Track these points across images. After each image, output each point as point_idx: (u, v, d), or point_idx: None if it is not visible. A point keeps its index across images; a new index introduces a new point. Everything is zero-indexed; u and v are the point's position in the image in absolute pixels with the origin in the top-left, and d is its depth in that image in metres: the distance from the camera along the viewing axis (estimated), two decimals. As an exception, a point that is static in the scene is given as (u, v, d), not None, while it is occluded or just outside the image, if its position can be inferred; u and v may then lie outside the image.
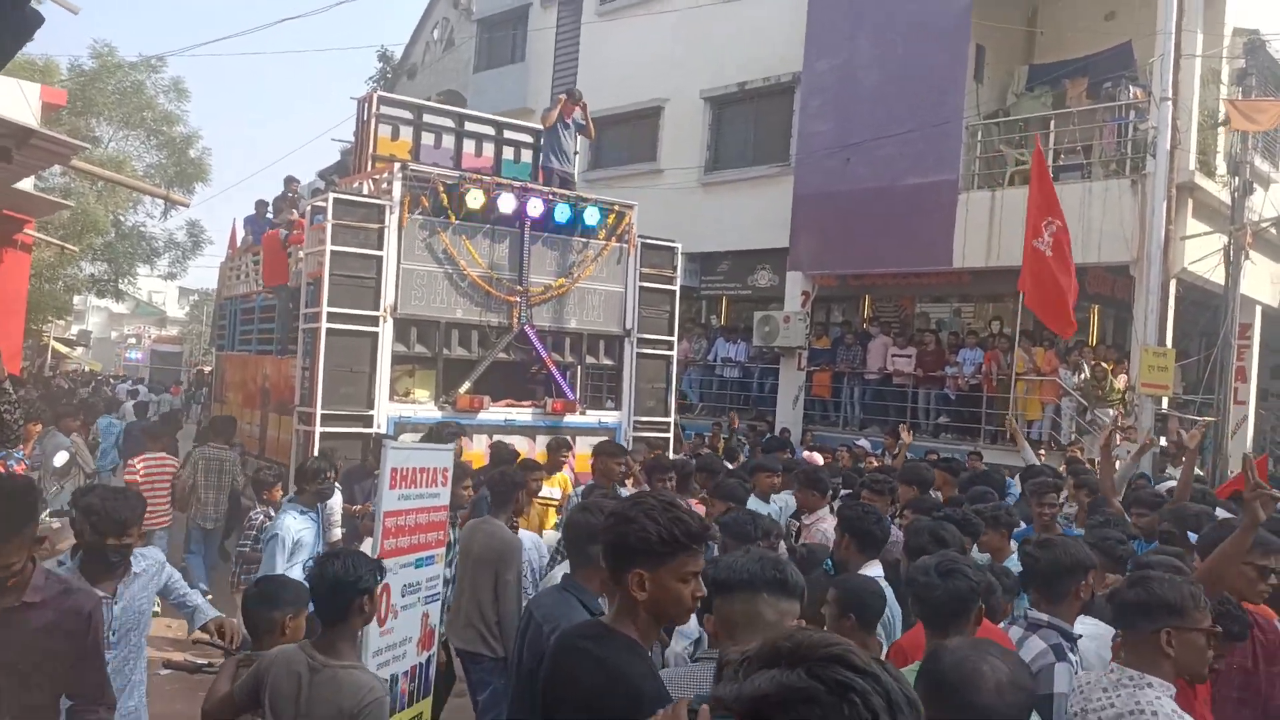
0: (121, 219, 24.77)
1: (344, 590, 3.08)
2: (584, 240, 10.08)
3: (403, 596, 4.12)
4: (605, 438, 9.58)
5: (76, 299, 30.81)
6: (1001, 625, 3.43)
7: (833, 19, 15.20)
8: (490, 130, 11.57)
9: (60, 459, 8.80)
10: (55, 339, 29.35)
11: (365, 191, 9.58)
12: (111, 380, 29.21)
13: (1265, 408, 16.46)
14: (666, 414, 10.66)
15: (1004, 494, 7.45)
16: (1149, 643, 2.65)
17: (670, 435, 10.66)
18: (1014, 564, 4.70)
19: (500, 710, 4.46)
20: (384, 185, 9.28)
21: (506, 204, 9.38)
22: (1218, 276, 12.62)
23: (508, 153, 11.50)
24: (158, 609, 4.93)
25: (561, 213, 9.73)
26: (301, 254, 9.59)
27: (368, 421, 8.72)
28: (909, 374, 14.09)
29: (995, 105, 14.89)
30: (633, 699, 2.17)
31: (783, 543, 4.85)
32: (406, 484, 4.21)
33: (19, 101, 11.39)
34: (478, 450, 8.70)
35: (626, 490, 6.50)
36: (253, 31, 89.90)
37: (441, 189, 9.18)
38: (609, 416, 10.25)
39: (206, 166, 26.56)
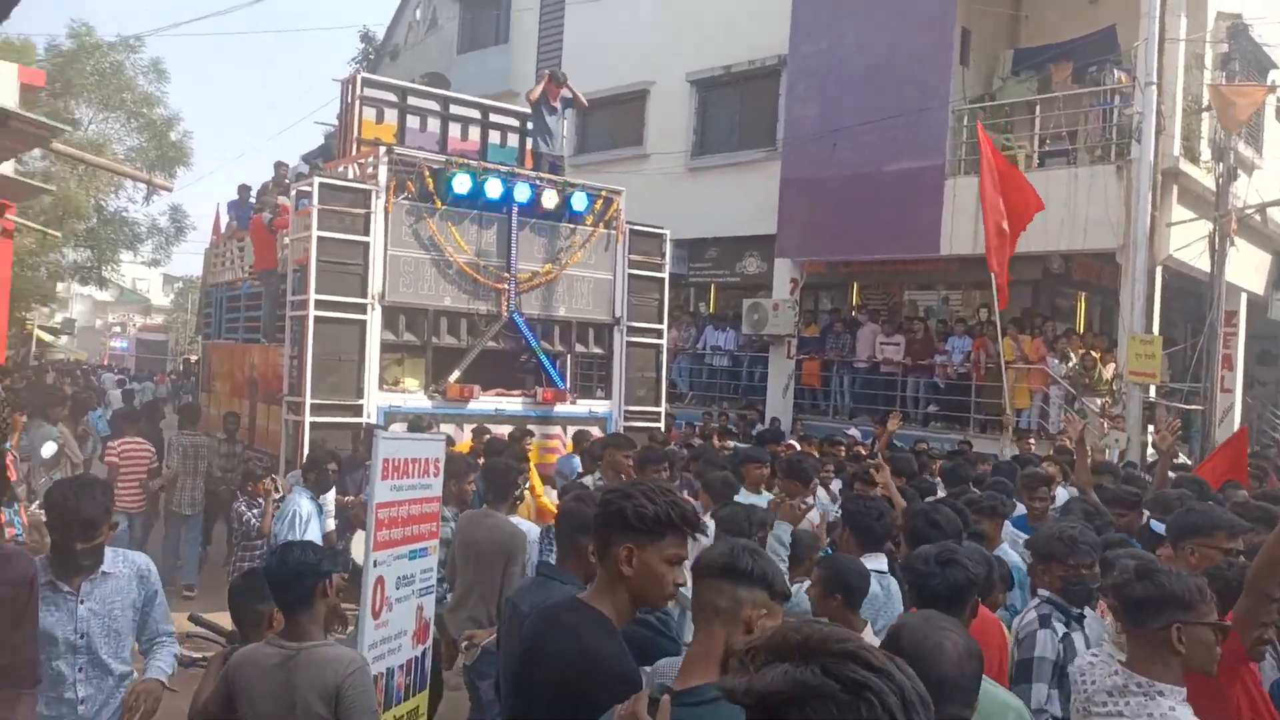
0: (103, 204, 24.51)
1: (306, 575, 3.10)
2: (571, 226, 10.04)
3: (397, 589, 4.09)
4: (595, 427, 9.59)
5: (60, 286, 30.51)
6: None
7: (818, 2, 15.13)
8: (476, 114, 11.48)
9: (48, 450, 8.71)
10: (39, 327, 29.03)
11: (350, 176, 9.50)
12: (98, 370, 28.95)
13: (1252, 395, 16.57)
14: (657, 403, 10.66)
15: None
16: (1158, 639, 2.60)
17: (661, 424, 10.66)
18: (1004, 553, 4.75)
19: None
20: (369, 169, 9.20)
21: (494, 189, 9.32)
22: (1203, 263, 12.67)
23: (494, 137, 11.42)
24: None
25: (549, 198, 9.67)
26: (287, 240, 9.52)
27: (357, 411, 8.68)
28: (898, 362, 14.11)
29: (981, 90, 14.88)
30: (600, 677, 2.25)
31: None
32: (399, 475, 4.17)
33: (-3, 85, 11.23)
34: (468, 441, 8.68)
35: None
36: (232, 11, 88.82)
37: (428, 173, 9.11)
38: (599, 405, 10.24)
39: (188, 150, 26.33)
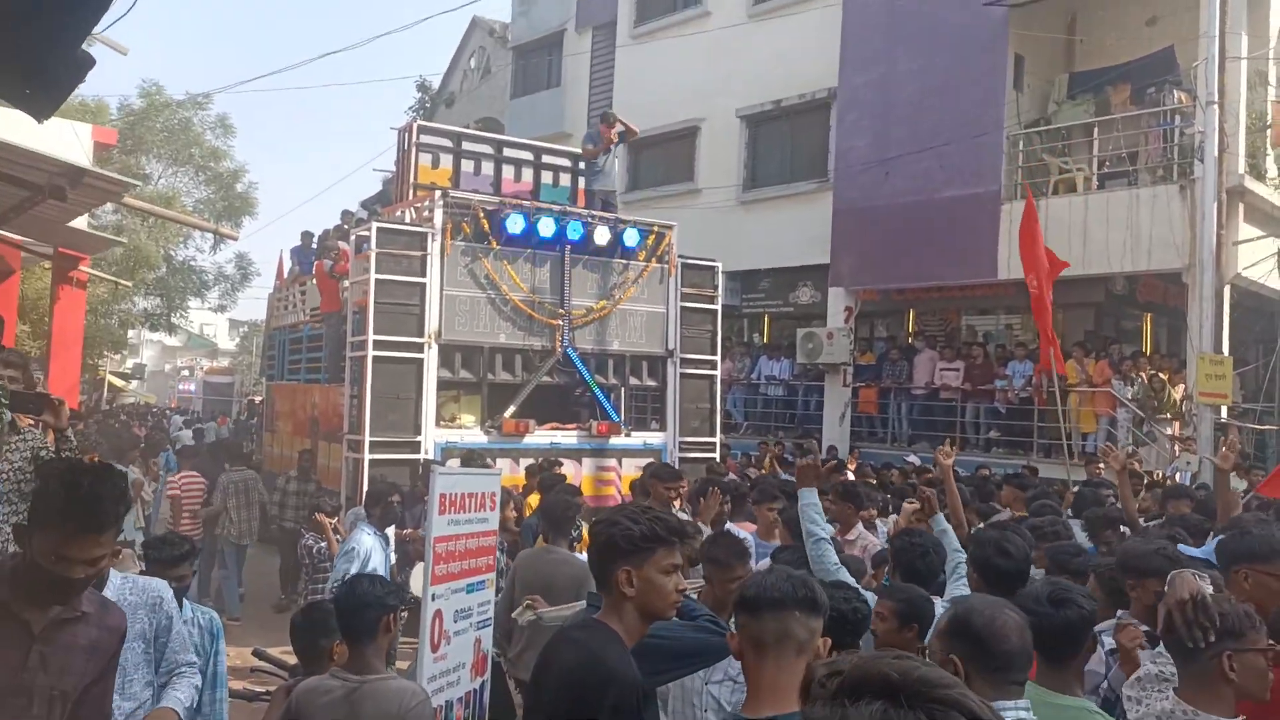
0: (172, 254, 25.35)
1: (373, 608, 3.16)
2: (624, 262, 10.12)
3: (455, 622, 4.11)
4: (651, 459, 9.57)
5: (130, 333, 31.53)
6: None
7: (868, 33, 15.15)
8: (529, 155, 11.68)
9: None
10: (111, 373, 30.02)
11: (408, 220, 9.71)
12: (167, 412, 29.81)
13: (1328, 414, 15.96)
14: (712, 434, 10.62)
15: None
16: (1209, 668, 2.55)
17: (716, 455, 10.61)
18: None
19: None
20: (426, 213, 9.39)
21: (546, 228, 9.45)
22: (1274, 281, 12.33)
23: (546, 177, 11.59)
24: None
25: (601, 235, 9.77)
26: (347, 283, 9.74)
27: (415, 447, 8.79)
28: (957, 388, 13.89)
29: (1036, 114, 14.72)
30: (604, 679, 2.35)
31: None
32: (455, 509, 4.21)
33: (71, 142, 11.72)
34: (519, 475, 8.72)
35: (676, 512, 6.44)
36: (295, 67, 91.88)
37: (482, 215, 9.28)
38: (654, 437, 10.24)
39: (253, 200, 27.15)
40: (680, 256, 10.53)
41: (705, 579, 3.95)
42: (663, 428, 10.32)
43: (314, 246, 14.06)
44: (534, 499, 7.35)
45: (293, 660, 4.26)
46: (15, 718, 2.36)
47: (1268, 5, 12.99)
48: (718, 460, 10.26)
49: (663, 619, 2.56)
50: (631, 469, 9.57)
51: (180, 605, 3.69)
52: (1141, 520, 6.57)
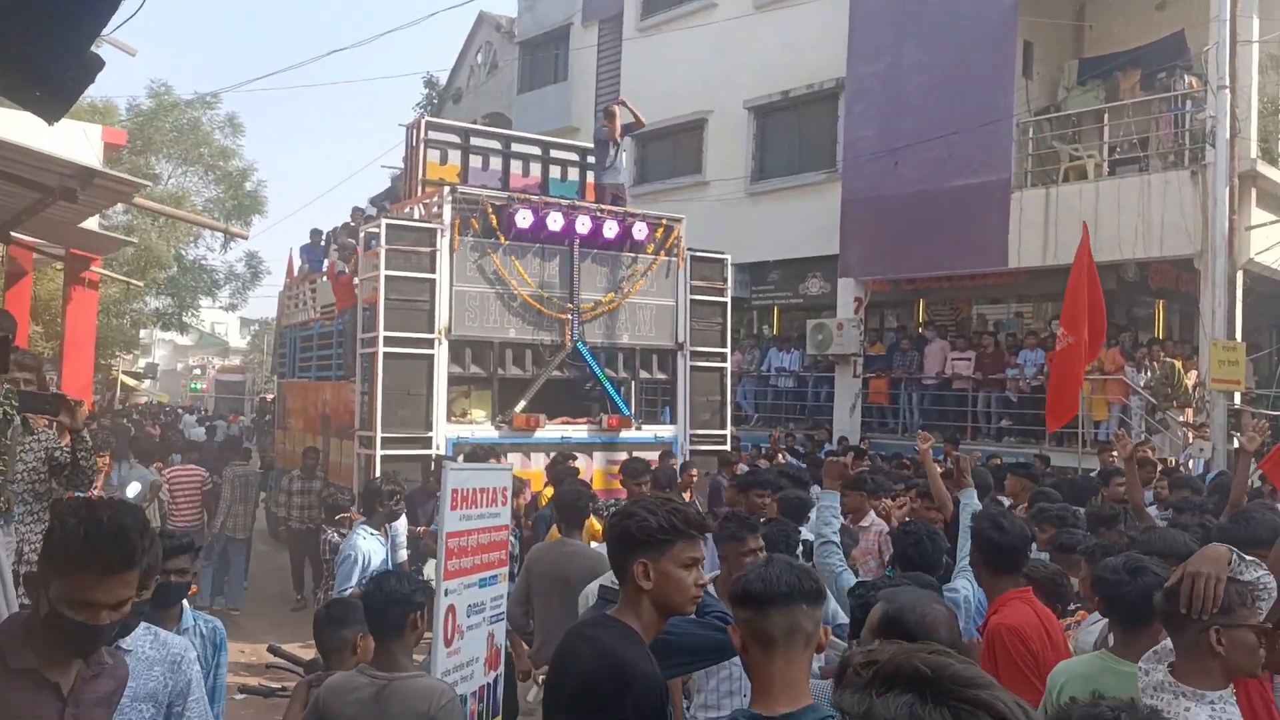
0: (183, 253, 25.46)
1: (400, 605, 3.16)
2: (633, 255, 10.11)
3: (468, 617, 4.13)
4: (661, 451, 9.60)
5: (142, 333, 31.69)
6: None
7: (876, 22, 15.08)
8: (536, 150, 11.67)
9: (133, 490, 9.03)
10: (123, 372, 30.16)
11: (416, 216, 9.73)
12: (180, 411, 29.99)
13: (1342, 399, 15.87)
14: (723, 426, 10.62)
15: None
16: (1198, 644, 2.60)
17: (727, 447, 10.61)
18: None
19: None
20: (434, 209, 9.41)
21: (555, 222, 9.45)
22: (1286, 266, 12.24)
23: (554, 171, 11.58)
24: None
25: (610, 229, 9.77)
26: (357, 280, 9.77)
27: (427, 443, 8.82)
28: (968, 377, 13.85)
29: (1046, 101, 14.64)
30: (621, 679, 2.28)
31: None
32: (467, 505, 4.22)
33: (81, 143, 11.77)
34: (536, 469, 8.74)
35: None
36: (302, 65, 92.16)
37: (491, 210, 9.29)
38: (665, 431, 10.24)
39: (263, 199, 27.22)
40: (689, 249, 10.52)
41: (721, 559, 3.98)
42: (673, 421, 10.32)
43: (324, 244, 14.09)
44: (550, 492, 7.39)
45: (307, 656, 4.29)
46: None
47: (1279, -12, 12.88)
48: (730, 451, 10.27)
49: (682, 614, 2.50)
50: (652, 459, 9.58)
51: (181, 610, 3.53)
52: (1155, 509, 6.57)
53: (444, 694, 3.11)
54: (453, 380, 9.20)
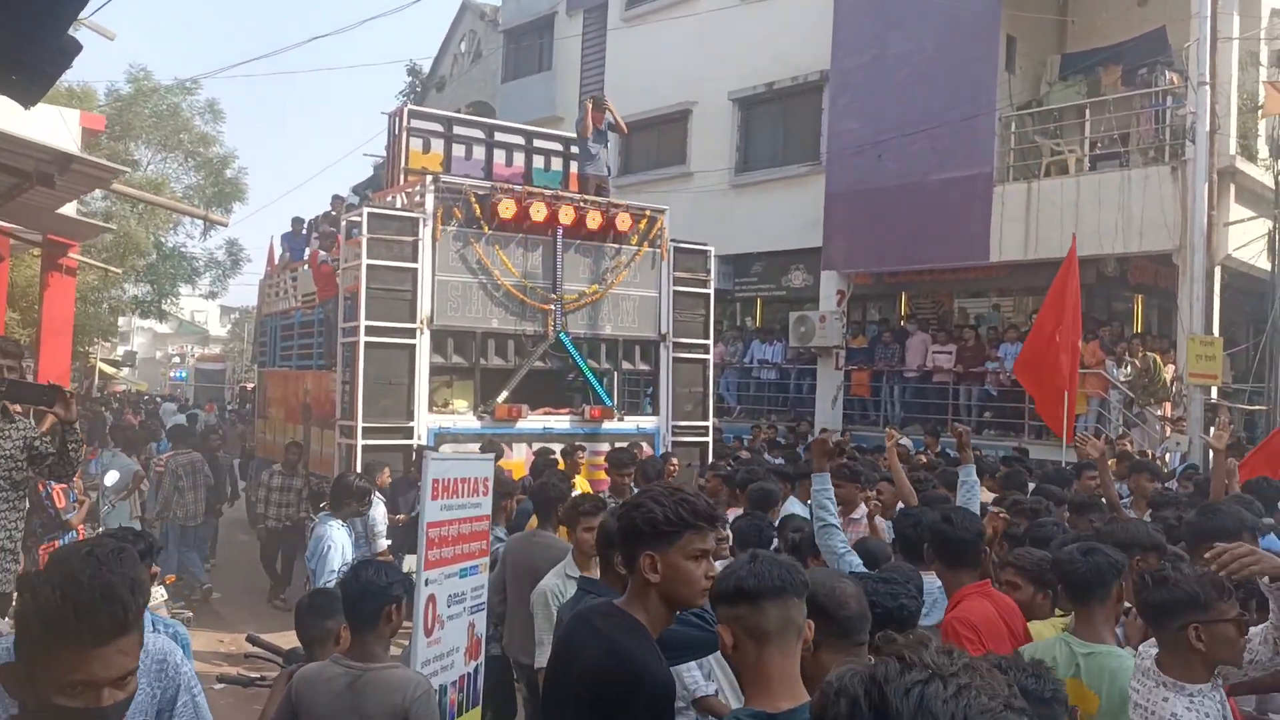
0: (162, 240, 25.18)
1: (376, 597, 3.15)
2: (616, 246, 10.10)
3: (449, 607, 4.13)
4: (644, 442, 9.61)
5: (121, 320, 31.36)
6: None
7: (860, 15, 15.10)
8: (520, 140, 11.63)
9: (111, 478, 8.98)
10: (102, 360, 29.89)
11: (399, 205, 9.67)
12: (158, 400, 29.75)
13: (1318, 394, 16.05)
14: (705, 418, 10.63)
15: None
16: (1178, 640, 2.67)
17: (709, 439, 10.63)
18: None
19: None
20: (417, 198, 9.35)
21: (538, 212, 9.42)
22: (1264, 262, 12.36)
23: (538, 161, 11.55)
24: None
25: (593, 219, 9.75)
26: (339, 269, 9.72)
27: (408, 433, 8.79)
28: (949, 370, 13.94)
29: (1028, 96, 14.71)
30: (632, 678, 2.23)
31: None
32: (448, 494, 4.22)
33: (59, 128, 11.61)
34: (518, 459, 8.74)
35: None
36: (283, 51, 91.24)
37: (474, 200, 9.25)
38: (647, 422, 10.25)
39: (243, 186, 26.94)
40: (672, 240, 10.51)
41: None
42: (656, 412, 10.33)
43: (305, 232, 14.00)
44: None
45: (287, 646, 4.27)
46: None
47: (1259, -15, 12.98)
48: (732, 439, 10.29)
49: (691, 607, 2.46)
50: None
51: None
52: (1129, 500, 6.64)
53: (419, 685, 3.10)
54: (434, 370, 9.16)
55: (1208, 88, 11.48)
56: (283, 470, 9.98)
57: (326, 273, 10.47)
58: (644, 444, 9.77)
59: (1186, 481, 7.48)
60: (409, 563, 6.41)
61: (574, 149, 11.21)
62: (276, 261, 14.46)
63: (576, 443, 8.75)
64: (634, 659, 2.27)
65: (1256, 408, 12.50)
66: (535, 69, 22.23)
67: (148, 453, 10.66)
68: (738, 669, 2.19)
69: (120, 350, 40.58)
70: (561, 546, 5.07)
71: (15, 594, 1.86)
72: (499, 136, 11.50)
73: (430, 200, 9.09)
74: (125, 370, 37.38)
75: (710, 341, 10.90)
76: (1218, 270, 11.91)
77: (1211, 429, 10.50)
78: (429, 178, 9.40)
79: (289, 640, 4.12)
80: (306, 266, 11.66)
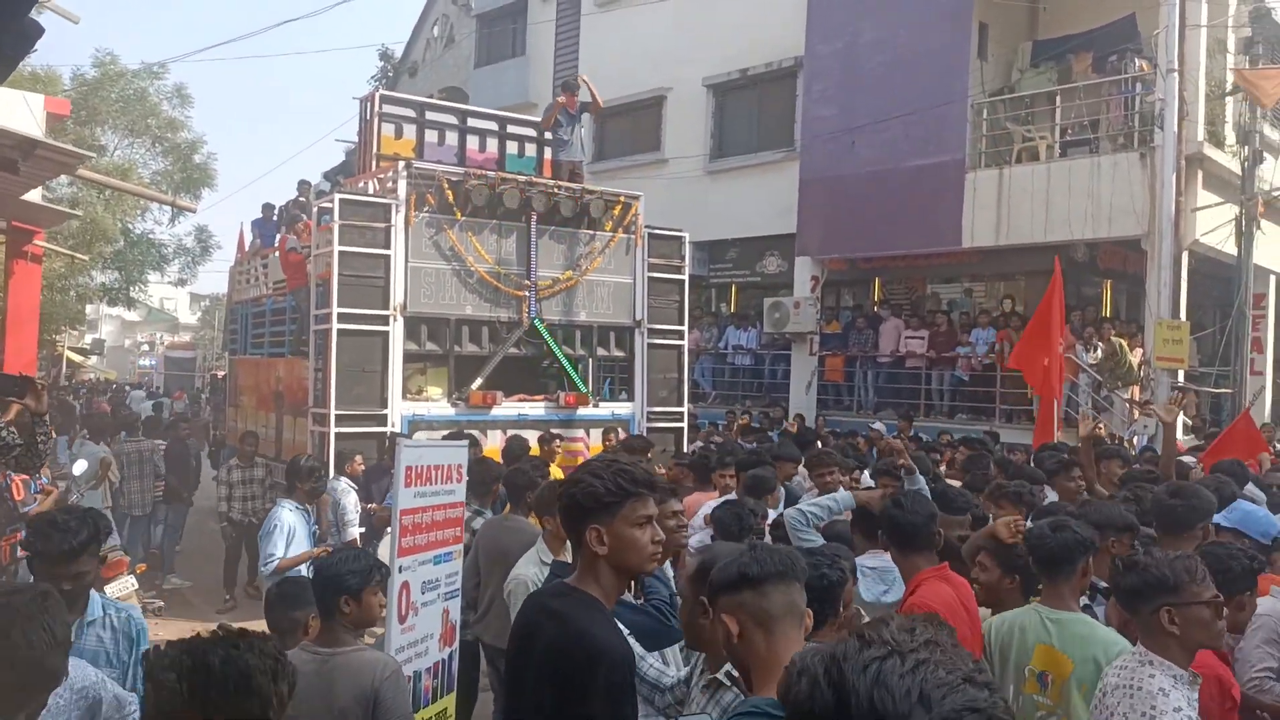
0: (130, 227, 24.83)
1: (332, 587, 3.19)
2: (591, 232, 10.08)
3: (423, 594, 4.13)
4: (617, 427, 9.62)
5: (89, 308, 30.93)
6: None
7: (834, 2, 15.11)
8: (493, 125, 11.56)
9: (79, 467, 8.88)
10: (69, 349, 29.46)
11: (371, 191, 9.60)
12: (127, 388, 29.41)
13: (1283, 377, 16.33)
14: (680, 403, 10.66)
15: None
16: (1152, 624, 2.70)
17: (684, 425, 10.66)
18: None
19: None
20: (389, 184, 9.28)
21: (512, 199, 9.38)
22: (1230, 247, 12.52)
23: (512, 147, 11.49)
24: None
25: (567, 206, 9.72)
26: (310, 255, 9.63)
27: (382, 420, 8.75)
28: (922, 355, 14.04)
29: (1000, 83, 14.79)
30: (591, 655, 2.25)
31: None
32: (422, 481, 4.21)
33: (23, 113, 11.42)
34: (492, 447, 8.72)
35: None
36: (252, 35, 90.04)
37: (447, 186, 9.19)
38: (622, 408, 10.26)
39: (212, 171, 26.60)
40: (647, 227, 10.50)
41: None
42: (631, 398, 10.34)
43: (275, 218, 13.86)
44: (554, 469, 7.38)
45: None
46: None
47: (1227, -28, 13.12)
48: (707, 425, 10.29)
49: (642, 573, 2.49)
50: (600, 439, 9.62)
51: (86, 605, 3.08)
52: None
53: (387, 666, 3.14)
54: (408, 357, 9.12)
55: (1176, 75, 11.59)
56: (240, 463, 9.69)
57: (297, 260, 10.38)
58: (619, 429, 9.80)
59: (1147, 464, 7.59)
60: (383, 550, 6.41)
61: (548, 135, 11.16)
62: (247, 248, 14.31)
63: (552, 430, 8.74)
64: (591, 635, 2.29)
65: (1222, 390, 12.70)
66: (508, 54, 22.07)
67: (118, 441, 10.52)
68: (743, 660, 2.15)
69: (88, 338, 40.04)
70: (532, 531, 5.09)
71: None
72: (472, 122, 11.44)
73: (403, 186, 9.02)
74: (94, 358, 36.89)
75: (685, 327, 10.92)
76: (1185, 255, 12.05)
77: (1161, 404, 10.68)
78: (401, 163, 9.33)
79: (260, 629, 4.11)
80: (277, 253, 11.55)
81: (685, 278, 10.88)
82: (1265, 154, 12.84)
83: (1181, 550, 3.59)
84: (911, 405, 13.65)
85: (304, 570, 5.56)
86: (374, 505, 7.54)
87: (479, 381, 9.35)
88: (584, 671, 2.25)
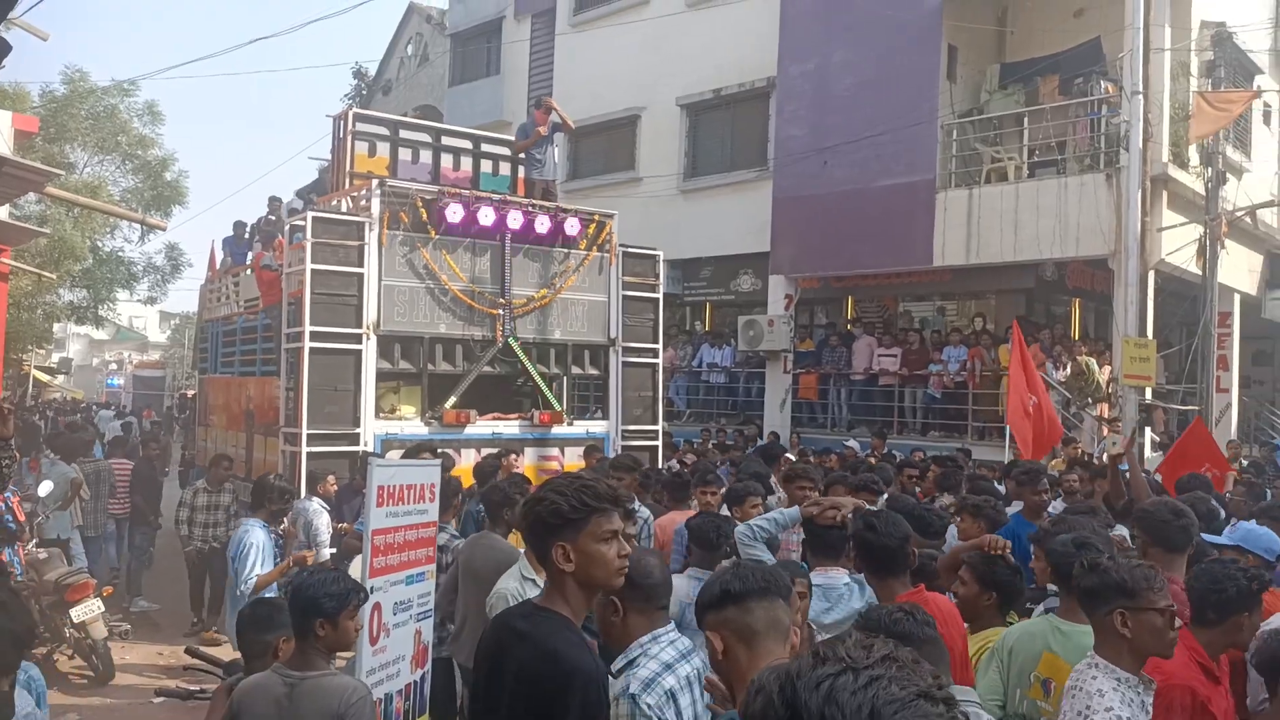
0: (99, 244, 24.56)
1: (308, 610, 3.16)
2: (565, 251, 10.08)
3: (394, 614, 4.10)
4: (600, 446, 9.60)
5: (56, 327, 30.52)
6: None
7: (805, 23, 15.28)
8: (468, 144, 11.56)
9: (45, 488, 8.73)
10: (36, 368, 29.01)
11: (344, 209, 9.55)
12: (94, 408, 28.99)
13: (1248, 395, 16.60)
14: (654, 422, 10.65)
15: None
16: (1106, 625, 2.79)
17: (659, 443, 10.65)
18: None
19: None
20: (363, 202, 9.24)
21: (486, 217, 9.37)
22: (1195, 267, 12.73)
23: (486, 166, 11.48)
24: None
25: (541, 224, 9.72)
26: (283, 273, 9.56)
27: (354, 440, 8.67)
28: (894, 373, 14.14)
29: (969, 104, 15.00)
30: (564, 676, 2.24)
31: None
32: (394, 501, 4.18)
33: (-9, 130, 11.29)
34: (466, 465, 8.67)
35: None
36: (225, 53, 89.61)
37: (420, 204, 9.16)
38: (596, 426, 10.23)
39: (184, 189, 26.37)
40: (621, 245, 10.52)
41: None
42: (606, 416, 10.33)
43: (247, 236, 13.76)
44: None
45: (226, 658, 4.20)
46: None
47: (1189, -2, 13.39)
48: (682, 443, 10.26)
49: (609, 589, 2.49)
50: (574, 458, 9.58)
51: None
52: (1061, 501, 6.80)
53: (355, 691, 3.11)
54: (381, 376, 9.05)
55: (1141, 97, 11.80)
56: (209, 486, 9.08)
57: (271, 278, 10.30)
58: (600, 448, 9.77)
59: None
60: (355, 570, 6.33)
61: (522, 154, 11.17)
62: (218, 266, 14.19)
63: (510, 449, 8.68)
64: (562, 656, 2.28)
65: (1189, 408, 12.87)
66: (483, 73, 22.11)
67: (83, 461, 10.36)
68: (728, 676, 2.18)
69: (56, 357, 39.48)
70: (505, 548, 5.07)
71: None
72: (446, 140, 11.42)
73: (376, 204, 8.99)
74: (61, 378, 36.38)
75: (659, 346, 10.93)
76: (1151, 275, 12.24)
77: (1107, 440, 10.85)
78: (375, 181, 9.30)
79: (228, 652, 4.05)
80: (249, 271, 11.46)
81: (660, 296, 10.90)
82: (1228, 175, 13.09)
83: (1176, 567, 3.68)
84: (885, 423, 13.73)
85: (274, 590, 5.51)
86: (345, 525, 7.47)
87: (453, 400, 9.30)
88: (558, 693, 2.23)
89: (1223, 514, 5.68)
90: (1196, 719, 2.99)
